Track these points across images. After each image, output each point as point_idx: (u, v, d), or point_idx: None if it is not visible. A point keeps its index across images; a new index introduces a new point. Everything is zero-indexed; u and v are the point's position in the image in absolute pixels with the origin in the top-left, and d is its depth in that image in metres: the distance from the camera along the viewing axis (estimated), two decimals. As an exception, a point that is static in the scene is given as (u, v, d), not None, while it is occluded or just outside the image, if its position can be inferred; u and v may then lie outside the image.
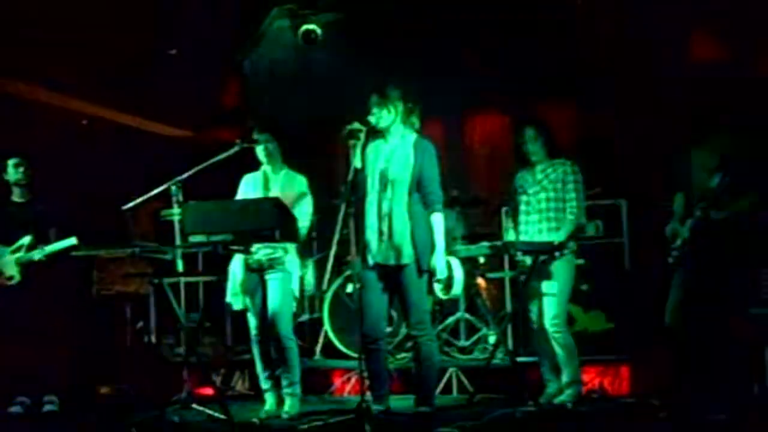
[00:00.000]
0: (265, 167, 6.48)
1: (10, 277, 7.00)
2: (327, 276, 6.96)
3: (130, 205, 6.46)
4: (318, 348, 8.15)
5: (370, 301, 5.68)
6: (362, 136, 5.63)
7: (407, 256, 5.59)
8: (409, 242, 5.58)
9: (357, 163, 5.65)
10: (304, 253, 6.53)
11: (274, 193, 6.35)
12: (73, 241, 6.88)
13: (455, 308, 7.84)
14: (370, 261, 5.68)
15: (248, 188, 6.48)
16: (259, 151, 6.40)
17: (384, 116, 5.68)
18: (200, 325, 7.16)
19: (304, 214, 6.32)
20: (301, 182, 6.44)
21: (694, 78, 7.61)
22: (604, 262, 7.41)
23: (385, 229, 5.62)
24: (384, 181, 5.65)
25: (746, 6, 7.49)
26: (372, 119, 5.66)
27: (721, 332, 5.58)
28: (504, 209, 7.31)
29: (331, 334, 8.00)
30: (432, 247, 5.62)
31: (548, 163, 6.35)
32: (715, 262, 5.57)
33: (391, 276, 5.66)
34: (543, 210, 6.29)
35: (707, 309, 5.59)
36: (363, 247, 5.71)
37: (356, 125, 5.62)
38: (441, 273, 5.62)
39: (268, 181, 6.46)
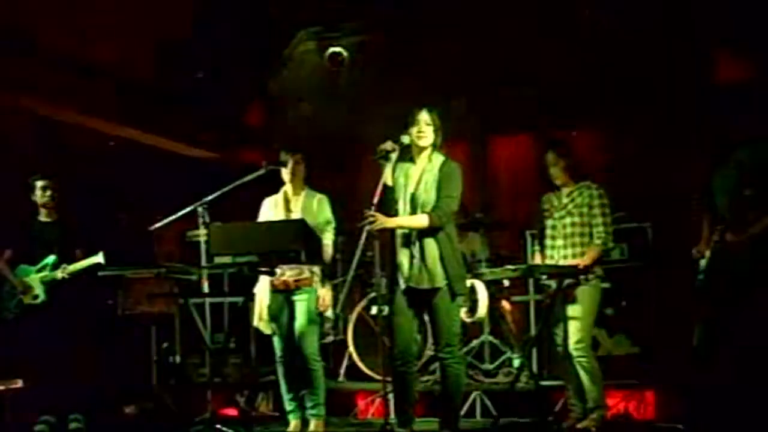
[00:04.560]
0: (286, 188, 6.50)
1: (35, 297, 7.05)
2: (342, 298, 6.96)
3: (157, 225, 6.50)
4: (342, 370, 8.15)
5: (401, 324, 5.67)
6: (393, 156, 5.64)
7: (440, 280, 5.57)
8: (440, 266, 5.58)
9: (387, 180, 5.65)
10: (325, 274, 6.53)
11: (295, 214, 6.37)
12: (97, 259, 6.92)
13: (479, 331, 7.82)
14: (402, 285, 5.67)
15: (269, 211, 6.50)
16: (285, 171, 6.43)
17: (432, 135, 5.69)
18: (225, 345, 7.17)
19: (327, 238, 6.34)
20: (323, 204, 6.46)
21: (719, 99, 7.59)
22: (629, 285, 7.38)
23: (416, 252, 5.60)
24: (414, 205, 5.65)
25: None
26: (405, 139, 5.66)
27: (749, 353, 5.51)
28: (529, 232, 7.29)
29: (355, 356, 8.00)
30: (454, 269, 5.59)
31: (573, 187, 6.33)
32: (735, 285, 5.51)
33: (423, 299, 5.65)
34: (569, 235, 6.26)
35: (732, 333, 5.54)
36: (395, 270, 5.70)
37: (389, 145, 5.63)
38: (380, 224, 5.51)
39: (288, 202, 6.48)
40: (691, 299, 5.73)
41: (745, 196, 5.45)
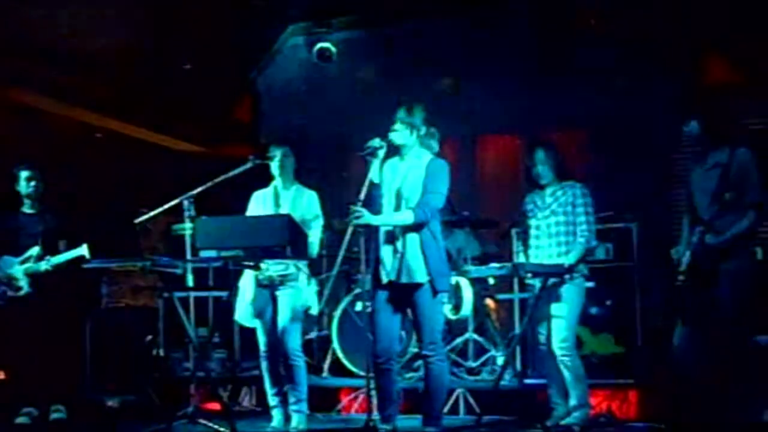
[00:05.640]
0: (276, 183, 6.49)
1: (19, 288, 7.03)
2: (326, 294, 6.96)
3: (142, 219, 6.48)
4: (326, 366, 8.14)
5: (383, 322, 5.67)
6: (381, 153, 5.64)
7: (421, 276, 5.57)
8: (422, 261, 5.58)
9: (374, 177, 5.65)
10: (312, 271, 6.53)
11: (284, 209, 6.36)
12: (81, 251, 6.89)
13: (464, 329, 7.83)
14: (384, 279, 5.66)
15: (258, 205, 6.50)
16: (274, 165, 6.41)
17: (406, 134, 5.69)
18: (209, 340, 7.16)
19: (314, 234, 6.34)
20: (312, 200, 6.44)
21: (700, 100, 7.63)
22: (613, 285, 7.40)
23: (399, 247, 5.60)
24: (399, 200, 5.66)
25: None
26: (391, 135, 5.67)
27: (724, 356, 5.53)
28: (514, 231, 7.31)
29: (339, 352, 8.00)
30: (437, 266, 5.59)
31: (557, 186, 6.34)
32: (714, 286, 5.53)
33: (405, 295, 5.64)
34: (553, 234, 6.27)
35: (710, 333, 5.56)
36: (377, 265, 5.70)
37: (376, 142, 5.63)
38: (365, 219, 5.52)
39: (278, 197, 6.47)
40: (672, 299, 5.75)
41: (724, 199, 5.48)
